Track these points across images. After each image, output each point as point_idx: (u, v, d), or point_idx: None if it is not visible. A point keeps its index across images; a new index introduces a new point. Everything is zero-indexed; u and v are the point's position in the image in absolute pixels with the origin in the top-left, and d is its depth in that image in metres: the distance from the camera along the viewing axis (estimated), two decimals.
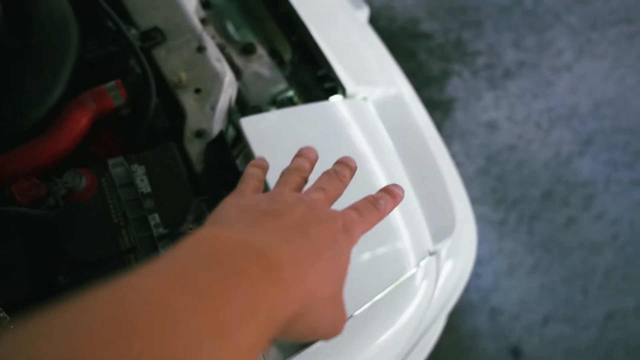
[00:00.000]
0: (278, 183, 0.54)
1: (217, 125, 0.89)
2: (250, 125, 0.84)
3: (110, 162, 0.79)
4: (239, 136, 0.89)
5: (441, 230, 0.99)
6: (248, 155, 0.83)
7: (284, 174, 0.55)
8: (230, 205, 0.46)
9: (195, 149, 0.86)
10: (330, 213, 0.45)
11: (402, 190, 0.54)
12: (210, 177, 0.83)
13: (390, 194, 0.52)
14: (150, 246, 0.73)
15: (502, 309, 1.87)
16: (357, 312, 0.77)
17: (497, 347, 1.82)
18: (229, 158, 0.82)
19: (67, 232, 0.74)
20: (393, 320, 0.84)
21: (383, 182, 0.92)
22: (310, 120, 0.92)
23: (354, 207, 0.49)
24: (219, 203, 0.48)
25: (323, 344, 0.74)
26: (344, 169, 0.55)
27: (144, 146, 0.85)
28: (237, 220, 0.42)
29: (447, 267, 1.02)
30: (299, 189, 0.54)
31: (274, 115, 0.90)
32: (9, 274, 0.71)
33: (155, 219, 0.76)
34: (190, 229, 0.75)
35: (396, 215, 0.91)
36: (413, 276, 0.89)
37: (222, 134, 0.85)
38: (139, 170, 0.80)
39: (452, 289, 1.07)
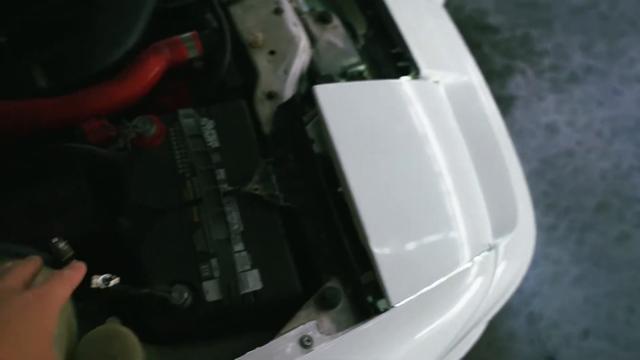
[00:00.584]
0: None
1: (289, 88, 0.86)
2: (324, 93, 0.81)
3: (181, 112, 0.78)
4: (310, 103, 0.87)
5: (502, 225, 0.95)
6: (319, 123, 0.81)
7: None
8: None
9: (265, 110, 0.84)
10: (9, 290, 0.47)
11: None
12: (279, 141, 0.81)
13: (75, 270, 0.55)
14: (215, 201, 0.72)
15: (541, 315, 1.82)
16: (400, 303, 0.74)
17: (532, 352, 1.77)
18: (299, 123, 0.80)
19: (132, 177, 0.73)
20: (437, 315, 0.81)
21: (447, 168, 0.88)
22: (383, 96, 0.89)
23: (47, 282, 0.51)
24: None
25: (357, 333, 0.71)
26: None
27: (213, 102, 0.83)
28: None
29: (501, 266, 0.98)
30: None
31: (347, 86, 0.87)
32: (73, 210, 0.71)
33: (221, 174, 0.74)
34: (255, 189, 0.73)
35: (456, 203, 0.87)
36: (467, 270, 0.85)
37: (294, 99, 0.83)
38: (208, 124, 0.78)
39: (504, 290, 1.03)
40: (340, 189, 0.79)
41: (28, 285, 0.50)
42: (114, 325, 0.60)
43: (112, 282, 0.62)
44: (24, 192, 0.74)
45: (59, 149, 0.73)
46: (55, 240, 0.63)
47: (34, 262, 0.54)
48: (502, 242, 0.93)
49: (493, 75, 2.22)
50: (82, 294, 0.64)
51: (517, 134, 2.11)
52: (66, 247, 0.64)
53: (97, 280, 0.61)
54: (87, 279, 0.62)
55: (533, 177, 2.04)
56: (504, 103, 2.17)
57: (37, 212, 0.72)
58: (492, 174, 0.99)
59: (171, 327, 0.66)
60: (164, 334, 0.67)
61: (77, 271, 0.55)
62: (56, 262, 0.64)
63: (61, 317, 0.58)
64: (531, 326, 1.81)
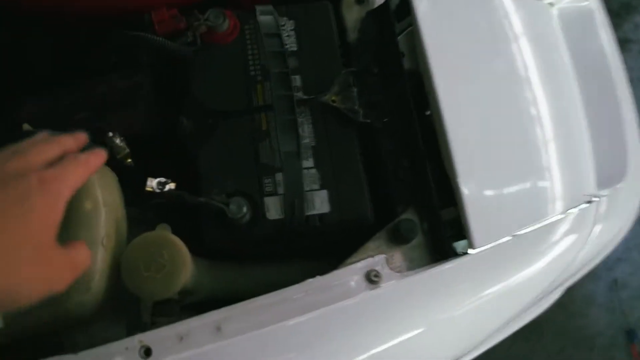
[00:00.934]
0: None
1: None
2: (423, 2, 0.70)
3: (259, 8, 0.69)
4: (405, 11, 0.76)
5: (608, 175, 0.83)
6: (413, 35, 0.70)
7: None
8: None
9: (352, 15, 0.74)
10: (22, 171, 0.41)
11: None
12: (364, 50, 0.71)
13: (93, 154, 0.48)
14: (287, 108, 0.63)
15: (626, 283, 1.67)
16: (483, 248, 0.65)
17: (610, 321, 1.64)
18: (390, 32, 0.70)
19: (199, 74, 0.66)
20: (517, 270, 0.71)
21: (551, 105, 0.76)
22: (488, 13, 0.77)
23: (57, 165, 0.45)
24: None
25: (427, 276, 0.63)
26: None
27: (295, 1, 0.74)
28: None
29: (602, 219, 0.85)
30: None
31: None
32: (132, 104, 0.65)
33: (296, 80, 0.66)
34: (333, 101, 0.64)
35: (556, 144, 0.75)
36: (561, 222, 0.75)
37: (387, 4, 0.72)
38: (288, 25, 0.69)
39: (598, 252, 0.90)
40: (428, 112, 0.69)
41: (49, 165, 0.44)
42: (164, 232, 0.54)
43: (167, 187, 0.56)
44: (85, 84, 0.68)
45: (126, 37, 0.66)
46: (111, 134, 0.58)
47: (66, 140, 0.48)
48: (605, 195, 0.81)
49: (609, 14, 1.98)
50: (135, 197, 0.59)
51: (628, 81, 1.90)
52: (122, 144, 0.59)
53: (152, 183, 0.56)
54: (141, 182, 0.57)
55: None
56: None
57: (96, 105, 0.67)
58: (603, 117, 0.86)
59: (226, 242, 0.60)
60: (217, 248, 0.61)
61: (95, 157, 0.49)
62: (111, 158, 0.59)
63: (110, 217, 0.54)
64: (613, 293, 1.67)
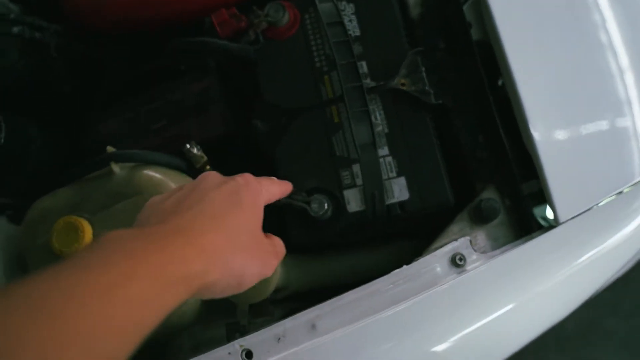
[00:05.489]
0: None
1: None
2: None
3: None
4: None
5: None
6: (478, 3, 0.68)
7: None
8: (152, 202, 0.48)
9: None
10: (232, 177, 0.49)
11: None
12: (429, 25, 0.69)
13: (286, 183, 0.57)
14: (358, 98, 0.63)
15: None
16: (570, 218, 0.63)
17: None
18: (455, 3, 0.67)
19: (266, 73, 0.66)
20: (608, 235, 0.69)
21: (629, 58, 0.71)
22: None
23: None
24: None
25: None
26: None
27: None
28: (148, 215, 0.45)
29: None
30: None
31: None
32: (204, 110, 0.67)
33: (363, 67, 0.65)
34: (403, 84, 0.63)
35: (635, 100, 0.70)
36: None
37: None
38: (348, 9, 0.68)
39: None
40: (501, 82, 0.67)
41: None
42: None
43: None
44: (160, 92, 0.70)
45: (190, 44, 0.67)
46: (188, 146, 0.60)
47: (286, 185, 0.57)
48: None
49: None
50: None
51: None
52: (200, 152, 0.60)
53: None
54: None
55: None
56: None
57: (172, 112, 0.69)
58: None
59: (311, 239, 0.61)
60: (304, 245, 0.62)
61: (287, 185, 0.57)
62: (191, 169, 0.61)
63: None
64: None
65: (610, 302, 1.51)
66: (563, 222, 0.62)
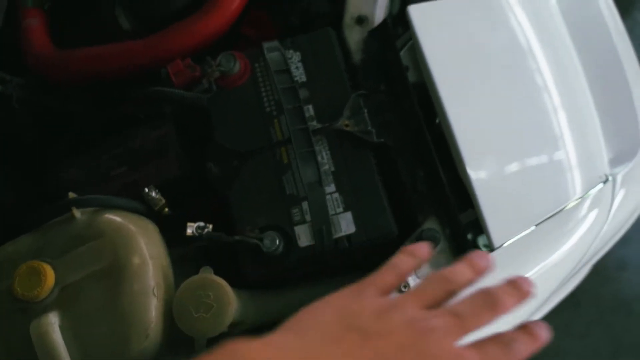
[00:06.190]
0: (364, 281, 0.45)
1: (380, 11, 0.79)
2: (419, 13, 0.73)
3: (266, 46, 0.73)
4: (402, 27, 0.79)
5: (621, 152, 0.84)
6: (413, 48, 0.74)
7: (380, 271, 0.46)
8: (327, 308, 0.40)
9: (354, 37, 0.77)
10: (447, 353, 0.36)
11: (544, 331, 0.40)
12: (370, 70, 0.75)
13: (531, 335, 0.40)
14: (304, 140, 0.68)
15: None
16: (508, 242, 0.68)
17: None
18: (392, 50, 0.73)
19: (218, 119, 0.71)
20: (544, 256, 0.75)
21: (556, 89, 0.78)
22: (484, 12, 0.79)
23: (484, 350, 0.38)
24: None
25: None
26: (507, 295, 0.42)
27: (298, 30, 0.78)
28: (317, 330, 0.37)
29: (620, 195, 0.87)
30: (386, 291, 0.44)
31: (444, 4, 0.78)
32: (162, 156, 0.71)
33: (309, 110, 0.70)
34: (346, 125, 0.69)
35: (568, 130, 0.77)
36: (579, 205, 0.77)
37: (385, 22, 0.75)
38: (295, 57, 0.73)
39: (621, 224, 0.92)
40: (438, 120, 0.72)
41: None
42: (207, 275, 0.59)
43: (206, 230, 0.62)
44: (120, 139, 0.74)
45: (148, 93, 0.72)
46: (146, 190, 0.63)
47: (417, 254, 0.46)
48: (620, 172, 0.83)
49: None
50: (177, 239, 0.65)
51: (637, 40, 1.87)
52: (158, 196, 0.64)
53: (192, 229, 0.61)
54: (181, 224, 0.62)
55: None
56: (625, 3, 1.91)
57: (133, 157, 0.72)
58: (611, 94, 0.87)
59: (264, 274, 0.65)
60: (257, 280, 0.66)
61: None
62: (150, 212, 0.64)
63: (157, 268, 0.59)
64: None
65: (563, 323, 1.56)
66: (497, 247, 0.67)
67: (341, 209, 0.66)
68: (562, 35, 0.86)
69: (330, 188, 0.67)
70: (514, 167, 0.72)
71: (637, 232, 1.67)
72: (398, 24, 0.80)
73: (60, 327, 0.56)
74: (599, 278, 1.64)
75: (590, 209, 0.79)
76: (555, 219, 0.74)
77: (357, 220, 0.66)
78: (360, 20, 0.78)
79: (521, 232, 0.69)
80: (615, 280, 1.67)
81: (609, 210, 0.81)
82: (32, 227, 0.63)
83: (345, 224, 0.66)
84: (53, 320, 0.56)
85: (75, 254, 0.59)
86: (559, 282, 0.80)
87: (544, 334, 0.40)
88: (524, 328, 0.40)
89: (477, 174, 0.67)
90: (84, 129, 0.79)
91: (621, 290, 1.67)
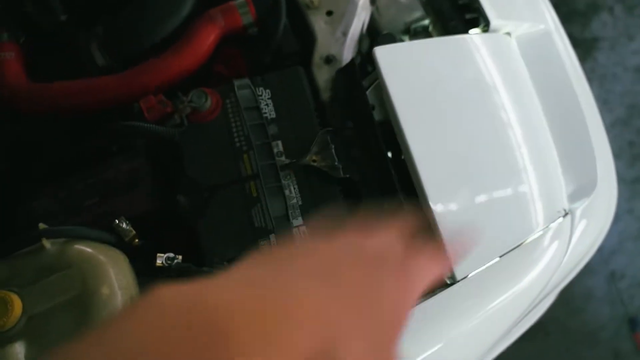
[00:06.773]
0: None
1: (347, 51, 0.83)
2: (385, 55, 0.76)
3: (237, 83, 0.76)
4: (371, 66, 0.83)
5: (579, 188, 0.89)
6: (379, 87, 0.77)
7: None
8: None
9: (323, 76, 0.81)
10: (387, 247, 0.37)
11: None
12: (337, 108, 0.78)
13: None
14: (272, 175, 0.70)
15: (623, 274, 1.72)
16: (473, 273, 0.71)
17: (612, 313, 1.69)
18: (359, 89, 0.77)
19: (189, 153, 0.73)
20: (510, 285, 0.78)
21: (519, 131, 0.82)
22: (448, 55, 0.83)
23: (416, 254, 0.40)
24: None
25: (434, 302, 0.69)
26: None
27: (268, 68, 0.81)
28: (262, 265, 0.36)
29: (579, 229, 0.91)
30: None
31: (409, 46, 0.82)
32: (133, 188, 0.72)
33: (278, 146, 0.73)
34: (314, 161, 0.71)
35: (529, 167, 0.81)
36: (540, 238, 0.81)
37: (352, 62, 0.79)
38: (264, 94, 0.76)
39: (582, 256, 0.96)
40: (403, 157, 0.75)
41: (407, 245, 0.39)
42: None
43: (175, 261, 0.63)
44: (92, 171, 0.75)
45: (121, 127, 0.73)
46: (117, 221, 0.65)
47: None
48: (579, 207, 0.87)
49: (575, 15, 2.05)
50: (147, 269, 0.66)
51: (600, 79, 1.96)
52: (128, 227, 0.65)
53: (161, 260, 0.63)
54: (152, 257, 0.64)
55: (618, 126, 1.90)
56: (586, 45, 2.01)
57: (104, 189, 0.73)
58: (569, 133, 0.91)
59: None
60: None
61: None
62: (120, 243, 0.66)
63: (125, 298, 0.60)
64: (611, 285, 1.72)
65: (535, 353, 1.60)
66: (460, 280, 0.69)
67: None
68: (523, 76, 0.91)
69: (298, 221, 0.69)
70: (477, 201, 0.75)
71: (601, 264, 1.74)
72: (367, 62, 0.84)
73: (26, 357, 0.56)
74: (567, 309, 1.69)
75: (551, 242, 0.82)
76: (518, 251, 0.77)
77: None
78: (329, 60, 0.81)
79: (484, 265, 0.72)
80: (582, 311, 1.72)
81: (569, 243, 0.85)
82: (1, 256, 0.64)
83: None
84: (19, 350, 0.56)
85: (44, 283, 0.60)
86: (522, 311, 0.83)
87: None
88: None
89: (440, 208, 0.70)
90: (56, 159, 0.80)
91: (589, 320, 1.71)
